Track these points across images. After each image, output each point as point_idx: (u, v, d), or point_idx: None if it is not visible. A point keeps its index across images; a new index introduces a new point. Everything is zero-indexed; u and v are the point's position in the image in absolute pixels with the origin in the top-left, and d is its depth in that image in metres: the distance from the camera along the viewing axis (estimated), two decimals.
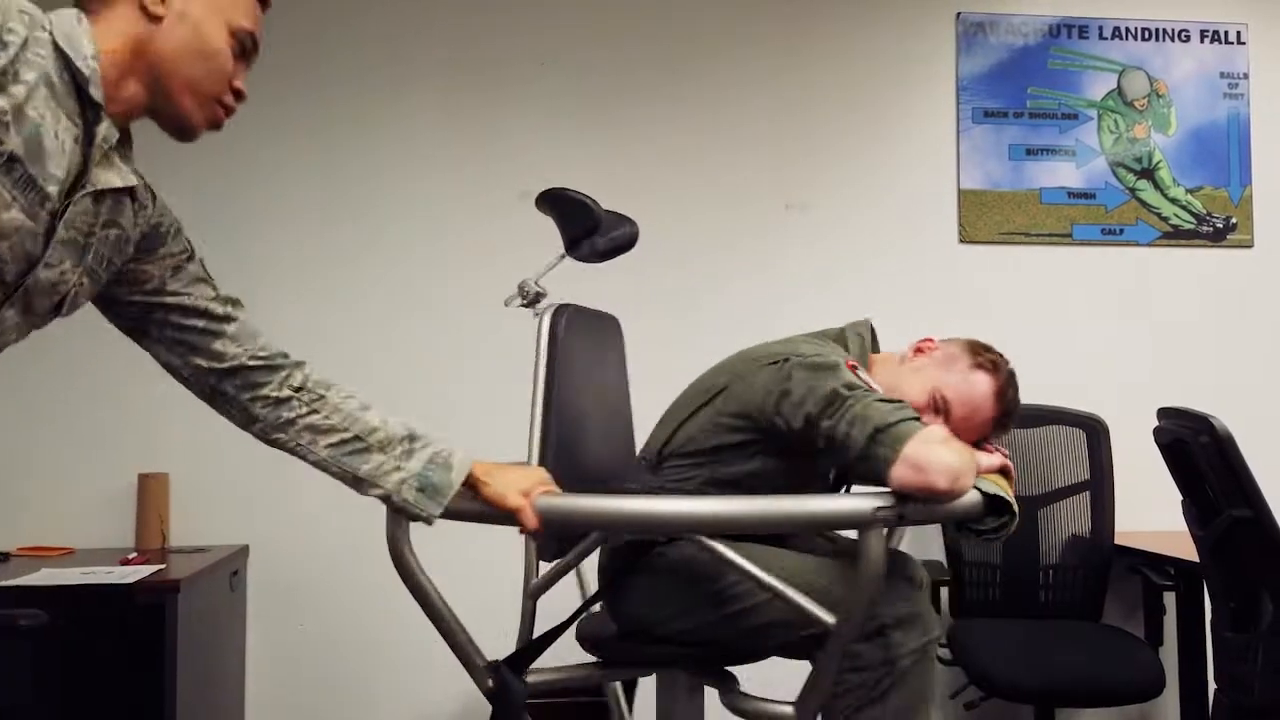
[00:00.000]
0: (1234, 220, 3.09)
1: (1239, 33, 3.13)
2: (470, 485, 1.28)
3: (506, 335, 2.38)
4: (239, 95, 1.11)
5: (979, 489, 1.38)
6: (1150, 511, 2.75)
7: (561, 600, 1.67)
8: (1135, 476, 2.77)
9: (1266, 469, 2.05)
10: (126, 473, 2.61)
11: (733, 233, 2.92)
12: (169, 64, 1.04)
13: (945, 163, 3.02)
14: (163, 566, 2.29)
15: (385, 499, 1.26)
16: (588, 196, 1.77)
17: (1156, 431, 2.15)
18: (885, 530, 1.34)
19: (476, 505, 1.30)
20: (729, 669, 1.63)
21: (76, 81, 0.98)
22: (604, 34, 2.92)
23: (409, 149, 2.84)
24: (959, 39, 3.04)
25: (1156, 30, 3.11)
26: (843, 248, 2.97)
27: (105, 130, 1.01)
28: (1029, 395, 2.87)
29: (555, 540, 1.65)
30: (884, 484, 1.34)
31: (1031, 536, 2.84)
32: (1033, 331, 2.99)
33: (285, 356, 1.25)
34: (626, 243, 1.84)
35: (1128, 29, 3.10)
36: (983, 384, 1.61)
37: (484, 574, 2.32)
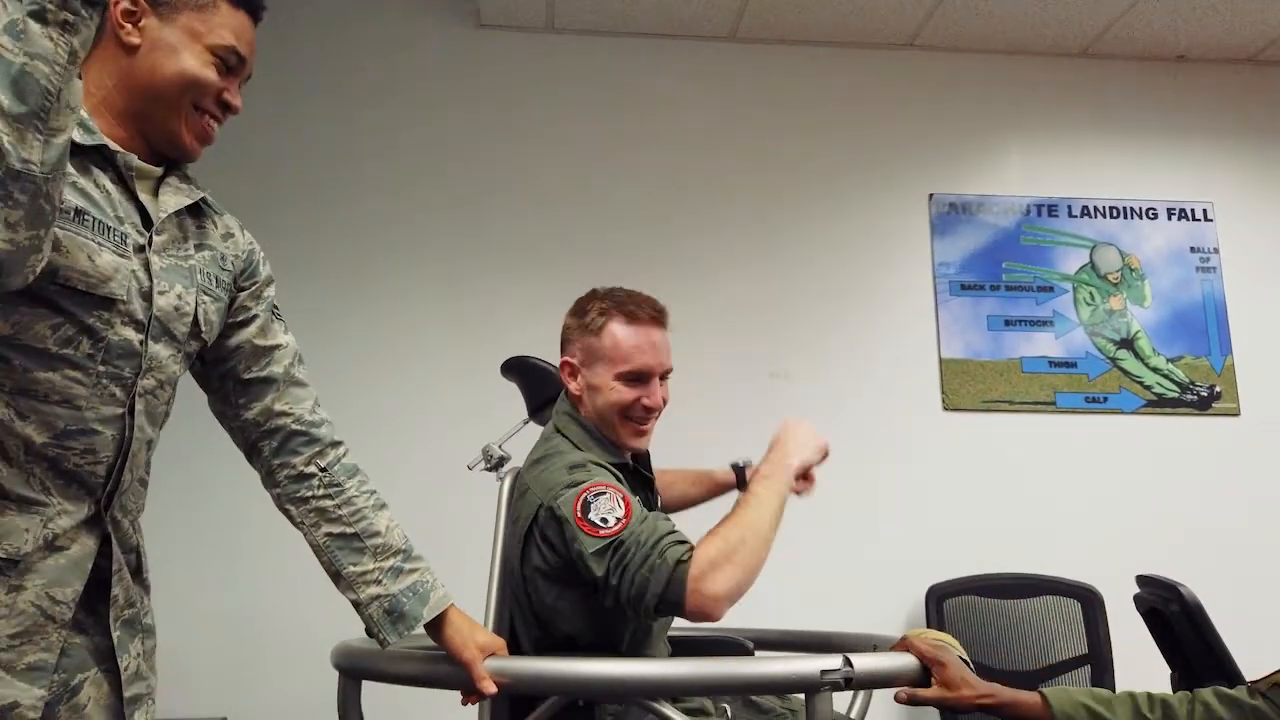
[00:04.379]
0: (1219, 389, 3.12)
1: (1205, 210, 3.26)
2: (437, 624, 1.28)
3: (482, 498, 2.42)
4: (228, 108, 1.14)
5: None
6: (1152, 686, 2.64)
7: None
8: (1134, 650, 2.67)
9: (1256, 640, 2.00)
10: None
11: (718, 400, 2.99)
12: (149, 90, 1.08)
13: (925, 332, 3.11)
14: None
15: (354, 604, 1.25)
16: (550, 364, 1.84)
17: (1136, 600, 2.11)
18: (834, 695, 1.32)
19: (424, 668, 1.32)
20: None
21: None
22: (594, 217, 3.10)
23: (401, 316, 2.98)
24: (932, 218, 3.19)
25: (1124, 208, 3.25)
26: (826, 414, 3.01)
27: (123, 160, 1.06)
28: (1018, 564, 2.87)
29: (509, 709, 1.64)
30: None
31: None
32: (1020, 498, 2.99)
33: (328, 427, 1.28)
34: None
35: (1096, 208, 3.25)
36: (613, 329, 1.58)
37: None
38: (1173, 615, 1.85)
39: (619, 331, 1.58)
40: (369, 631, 1.26)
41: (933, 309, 3.12)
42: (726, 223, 3.13)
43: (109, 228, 1.02)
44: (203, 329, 1.15)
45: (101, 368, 1.01)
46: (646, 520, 1.40)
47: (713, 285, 3.07)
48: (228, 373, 1.23)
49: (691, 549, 1.35)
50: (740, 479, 1.91)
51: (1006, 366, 3.10)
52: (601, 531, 1.39)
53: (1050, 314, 3.15)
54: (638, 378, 1.58)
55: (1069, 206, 3.24)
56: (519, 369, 1.84)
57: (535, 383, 1.82)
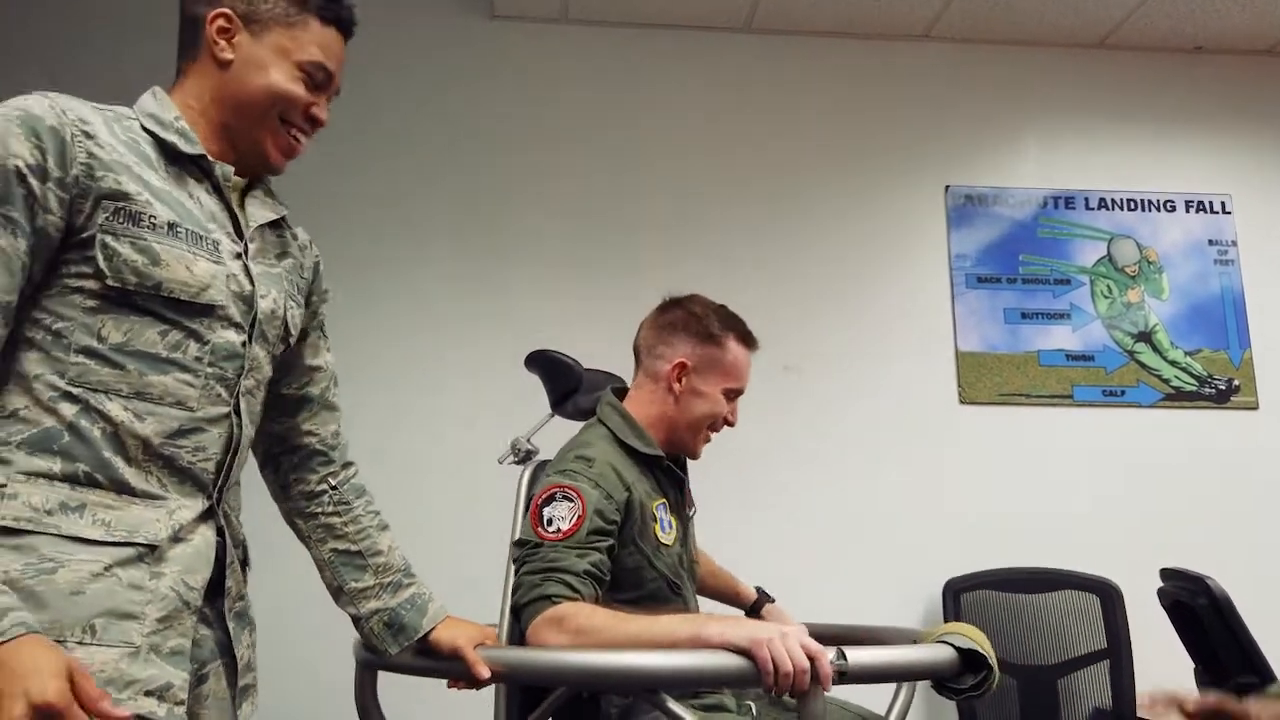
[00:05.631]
0: (1237, 382, 3.10)
1: (1223, 203, 3.24)
2: (426, 634, 1.32)
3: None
4: (315, 122, 1.18)
5: (952, 644, 1.33)
6: (1172, 683, 2.62)
7: None
8: (1153, 644, 2.66)
9: (1277, 634, 1.98)
10: None
11: None
12: (239, 104, 1.13)
13: (942, 326, 3.09)
14: None
15: (354, 619, 1.31)
16: (570, 357, 1.85)
17: (1160, 593, 2.10)
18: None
19: (424, 661, 1.32)
20: None
21: (169, 147, 1.09)
22: (606, 209, 3.08)
23: (414, 311, 2.96)
24: (948, 210, 3.17)
25: (1142, 201, 3.23)
26: (842, 407, 3.00)
27: (220, 170, 1.12)
28: (1036, 558, 2.85)
29: (522, 701, 1.62)
30: None
31: (1053, 709, 2.71)
32: (1037, 492, 2.96)
33: (345, 448, 1.32)
34: None
35: (1114, 200, 3.22)
36: (734, 347, 1.67)
37: None
38: (1200, 609, 1.84)
39: (738, 351, 1.67)
40: (367, 645, 1.31)
41: (949, 302, 3.10)
42: (740, 215, 3.11)
43: (200, 237, 1.07)
44: (290, 333, 1.21)
45: (209, 369, 1.07)
46: (574, 548, 1.43)
47: (725, 277, 3.04)
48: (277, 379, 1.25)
49: (568, 599, 1.38)
50: (755, 606, 1.92)
51: (1023, 360, 3.07)
52: (538, 529, 1.45)
53: (1067, 307, 3.12)
54: (737, 395, 1.69)
55: (1086, 199, 3.21)
56: (541, 362, 1.85)
57: (557, 375, 1.83)
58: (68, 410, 0.98)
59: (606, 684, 1.40)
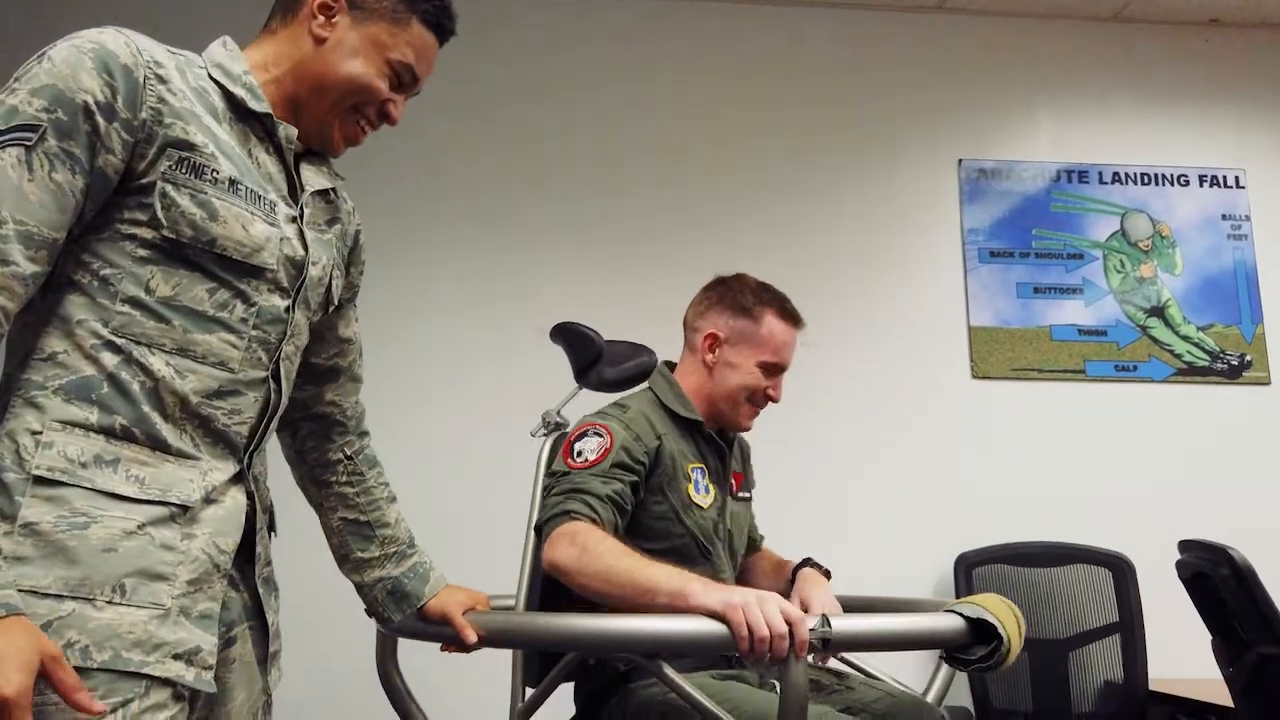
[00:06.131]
0: (1249, 357, 3.09)
1: (1237, 178, 3.22)
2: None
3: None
4: (387, 118, 1.15)
5: (961, 614, 1.26)
6: (1183, 656, 2.62)
7: None
8: (1164, 618, 2.66)
9: None
10: None
11: None
12: (318, 83, 1.10)
13: (954, 300, 3.07)
14: None
15: (358, 585, 1.31)
16: (591, 329, 1.84)
17: (1179, 565, 2.09)
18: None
19: (419, 625, 1.33)
20: None
21: (237, 101, 1.06)
22: (614, 184, 3.06)
23: (435, 287, 2.95)
24: (961, 184, 3.15)
25: (1156, 175, 3.21)
26: (855, 381, 2.99)
27: (284, 131, 1.09)
28: (1048, 532, 2.85)
29: (539, 665, 1.62)
30: None
31: (1063, 682, 2.72)
32: (1049, 467, 2.96)
33: (362, 419, 1.32)
34: (638, 373, 1.88)
35: (1127, 174, 3.20)
36: (771, 320, 1.69)
37: (472, 699, 2.24)
38: (1221, 579, 1.83)
39: (775, 325, 1.68)
40: (370, 611, 1.33)
41: (961, 276, 3.09)
42: (753, 188, 3.09)
43: (259, 196, 1.04)
44: (332, 300, 1.18)
45: (253, 332, 1.04)
46: (598, 475, 1.49)
47: (739, 251, 3.01)
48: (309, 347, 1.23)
49: (587, 519, 1.42)
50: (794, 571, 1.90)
51: (1036, 334, 3.06)
52: (568, 460, 1.53)
53: (1080, 281, 3.11)
54: (775, 370, 1.69)
55: (1099, 173, 3.19)
56: (565, 333, 1.85)
57: (579, 346, 1.83)
58: (109, 360, 0.95)
59: (576, 645, 1.41)
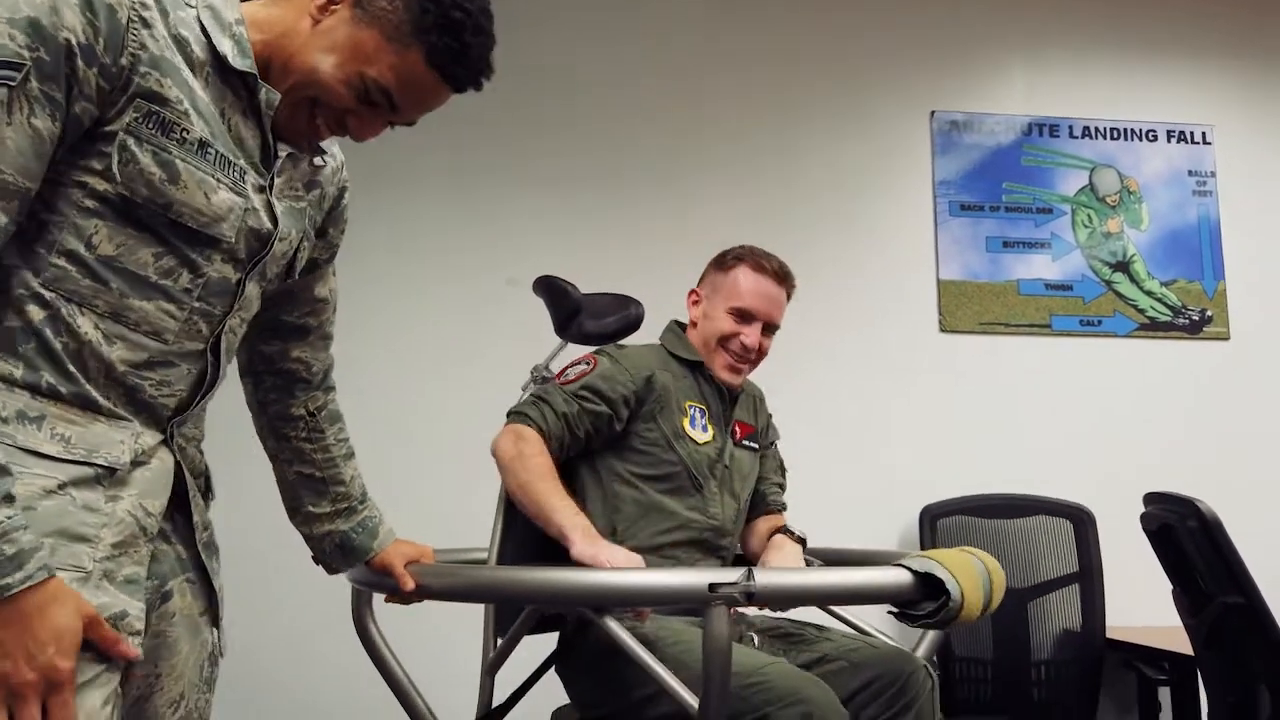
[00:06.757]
0: (1210, 313, 3.13)
1: (1204, 134, 3.23)
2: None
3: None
4: (346, 130, 1.04)
5: (909, 567, 1.24)
6: (1140, 605, 2.69)
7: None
8: (1123, 569, 2.72)
9: (1249, 559, 2.02)
10: None
11: None
12: (287, 62, 1.00)
13: (924, 254, 3.07)
14: None
15: (307, 537, 1.31)
16: (568, 282, 1.81)
17: (1144, 518, 2.12)
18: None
19: (364, 575, 1.35)
20: None
21: (220, 55, 0.97)
22: (589, 138, 2.99)
23: (411, 240, 2.86)
24: (934, 136, 3.12)
25: (1125, 130, 3.21)
26: (822, 334, 2.98)
27: (266, 95, 1.00)
28: (1012, 485, 2.89)
29: (511, 618, 1.61)
30: None
31: (1022, 631, 2.77)
32: (1013, 420, 2.99)
33: (328, 375, 1.29)
34: (623, 325, 1.83)
35: (1097, 128, 3.20)
36: (739, 271, 1.83)
37: (446, 651, 2.22)
38: (1188, 531, 1.86)
39: (743, 275, 1.82)
40: (317, 560, 1.33)
41: (932, 229, 3.08)
42: (725, 139, 3.03)
43: (229, 162, 0.98)
44: (293, 273, 1.13)
45: (195, 303, 0.98)
46: (565, 394, 1.67)
47: (707, 204, 2.98)
48: (266, 304, 1.16)
49: (533, 427, 1.62)
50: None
51: (1003, 289, 3.07)
52: (558, 378, 1.73)
53: (1048, 236, 3.12)
54: (744, 316, 1.80)
55: (1070, 126, 3.19)
56: (546, 287, 1.85)
57: (558, 299, 1.82)
58: (35, 314, 0.89)
59: (516, 598, 1.48)
